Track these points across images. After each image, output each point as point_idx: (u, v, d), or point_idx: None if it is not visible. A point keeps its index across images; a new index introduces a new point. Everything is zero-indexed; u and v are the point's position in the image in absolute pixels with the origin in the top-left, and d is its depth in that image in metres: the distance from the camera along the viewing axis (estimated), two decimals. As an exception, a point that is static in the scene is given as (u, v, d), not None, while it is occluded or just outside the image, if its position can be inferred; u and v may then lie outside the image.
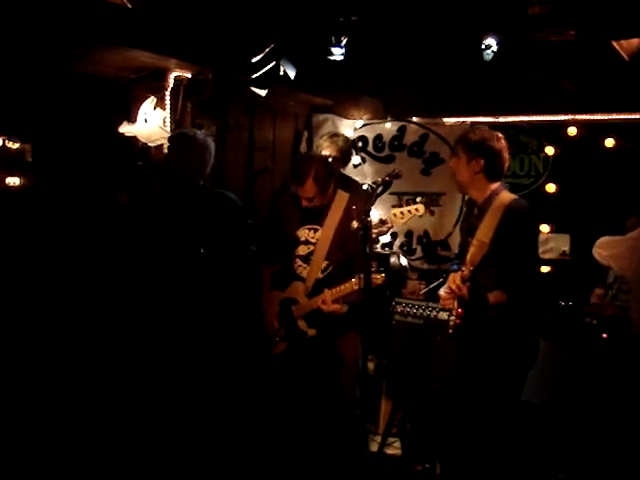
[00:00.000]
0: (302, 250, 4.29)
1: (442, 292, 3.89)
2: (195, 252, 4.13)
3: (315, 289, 4.21)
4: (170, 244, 4.20)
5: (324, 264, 4.24)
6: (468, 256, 3.64)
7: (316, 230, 4.28)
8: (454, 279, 3.65)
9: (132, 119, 5.28)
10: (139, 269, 4.33)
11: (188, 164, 4.23)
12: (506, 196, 3.71)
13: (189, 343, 4.17)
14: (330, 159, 4.83)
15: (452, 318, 3.74)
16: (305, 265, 4.28)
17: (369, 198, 4.02)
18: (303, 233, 4.30)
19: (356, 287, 3.90)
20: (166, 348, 4.17)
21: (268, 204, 5.85)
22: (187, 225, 4.22)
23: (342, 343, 4.24)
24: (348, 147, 5.32)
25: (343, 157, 5.21)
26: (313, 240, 4.27)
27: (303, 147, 6.57)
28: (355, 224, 3.68)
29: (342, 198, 4.33)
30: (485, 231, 3.62)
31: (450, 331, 3.76)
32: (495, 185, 3.75)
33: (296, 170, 4.30)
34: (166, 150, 4.74)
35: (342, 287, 4.02)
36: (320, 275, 4.23)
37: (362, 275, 3.64)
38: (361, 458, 4.27)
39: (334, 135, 5.31)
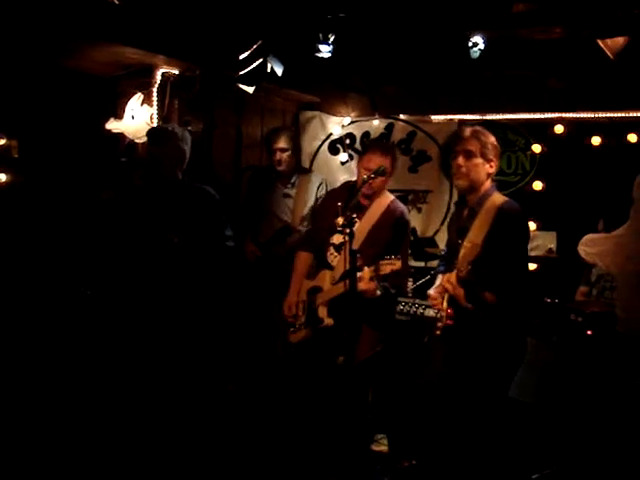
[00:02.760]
0: (337, 239, 4.32)
1: (432, 292, 3.89)
2: (169, 242, 4.27)
3: (341, 279, 4.17)
4: (147, 236, 4.33)
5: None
6: (460, 257, 3.64)
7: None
8: (449, 278, 3.64)
9: (119, 115, 5.27)
10: (121, 263, 4.41)
11: (165, 157, 4.39)
12: (498, 198, 3.72)
13: (167, 332, 4.31)
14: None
15: (440, 317, 3.74)
16: (337, 254, 4.31)
17: (355, 195, 4.04)
18: (341, 221, 4.31)
19: (395, 267, 3.87)
20: (149, 337, 4.32)
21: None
22: (164, 218, 4.34)
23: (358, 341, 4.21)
24: (297, 138, 5.83)
25: (295, 149, 5.66)
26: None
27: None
28: (340, 220, 3.68)
29: (385, 200, 4.38)
30: (477, 233, 3.61)
31: (437, 332, 3.76)
32: (487, 186, 3.76)
33: (378, 141, 4.43)
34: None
35: (380, 266, 3.95)
36: (349, 266, 4.22)
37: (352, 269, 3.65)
38: (360, 457, 4.27)
39: (283, 129, 5.75)
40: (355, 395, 4.20)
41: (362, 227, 4.26)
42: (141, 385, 4.30)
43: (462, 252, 3.64)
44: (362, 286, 3.96)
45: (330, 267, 4.32)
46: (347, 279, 3.99)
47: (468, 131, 3.77)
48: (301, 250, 4.59)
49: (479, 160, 3.71)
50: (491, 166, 3.74)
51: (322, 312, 4.26)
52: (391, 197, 4.46)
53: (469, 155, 3.71)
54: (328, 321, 4.23)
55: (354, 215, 3.64)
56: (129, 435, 4.26)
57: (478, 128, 3.82)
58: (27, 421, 4.35)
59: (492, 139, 3.76)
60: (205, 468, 4.23)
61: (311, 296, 4.37)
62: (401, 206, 4.47)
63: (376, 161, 4.21)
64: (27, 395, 4.47)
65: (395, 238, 4.28)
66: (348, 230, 3.64)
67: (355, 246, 4.16)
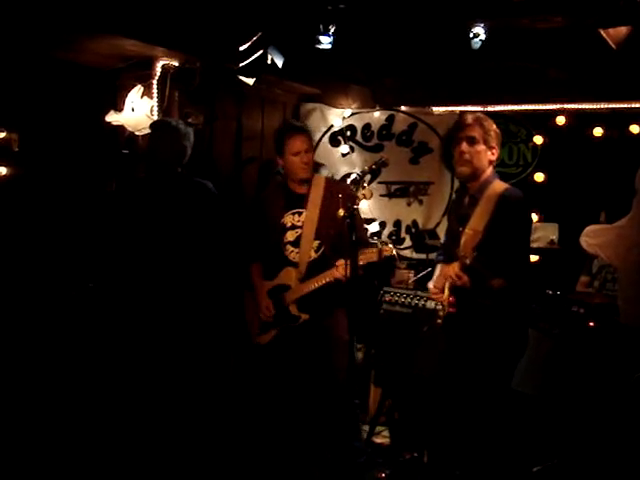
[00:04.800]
0: (291, 236, 4.26)
1: (432, 284, 3.87)
2: (177, 243, 4.25)
3: (309, 272, 4.17)
4: (150, 232, 4.31)
5: (316, 243, 4.20)
6: (461, 245, 3.63)
7: (300, 213, 4.25)
8: (453, 268, 3.61)
9: (119, 108, 5.26)
10: (122, 255, 4.42)
11: (166, 151, 4.35)
12: (499, 185, 3.71)
13: (169, 324, 4.29)
14: None
15: (442, 308, 3.72)
16: (297, 250, 4.24)
17: (356, 186, 4.01)
18: (288, 219, 4.28)
19: (388, 252, 3.87)
20: (150, 329, 4.30)
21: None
22: (163, 210, 4.32)
23: (334, 324, 4.18)
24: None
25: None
26: (299, 223, 4.24)
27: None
28: (341, 212, 3.66)
29: (320, 180, 4.33)
30: (478, 220, 3.61)
31: (439, 321, 3.74)
32: (488, 173, 3.75)
33: (290, 124, 4.44)
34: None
35: (363, 256, 3.88)
36: (314, 255, 4.19)
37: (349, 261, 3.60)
38: (352, 446, 4.26)
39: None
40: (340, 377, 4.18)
41: (311, 214, 4.22)
42: (139, 378, 4.30)
43: (463, 239, 3.63)
44: (342, 272, 3.90)
45: (292, 264, 4.24)
46: (320, 274, 4.08)
47: (470, 118, 3.76)
48: (253, 263, 4.42)
49: (482, 147, 3.70)
50: (493, 153, 3.74)
51: (294, 310, 4.21)
52: (321, 176, 4.46)
53: (472, 141, 3.70)
54: (305, 316, 4.18)
55: (355, 206, 3.62)
56: (130, 427, 4.27)
57: (480, 115, 3.81)
58: (28, 413, 4.36)
59: (494, 126, 3.76)
60: (201, 458, 4.24)
61: (276, 296, 4.26)
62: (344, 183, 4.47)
63: (304, 142, 4.20)
64: (28, 388, 4.47)
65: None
66: (349, 221, 3.60)
67: (311, 234, 4.20)
